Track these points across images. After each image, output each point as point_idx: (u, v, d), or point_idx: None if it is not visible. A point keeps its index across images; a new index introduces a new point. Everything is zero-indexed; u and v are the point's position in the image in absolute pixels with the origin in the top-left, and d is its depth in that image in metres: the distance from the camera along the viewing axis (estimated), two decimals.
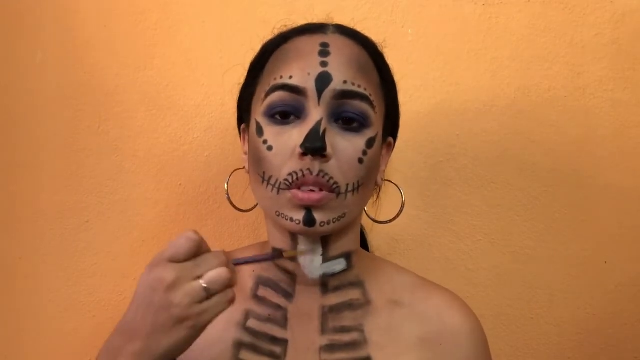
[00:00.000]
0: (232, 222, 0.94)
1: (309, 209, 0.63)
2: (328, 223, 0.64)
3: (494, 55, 0.93)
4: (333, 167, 0.63)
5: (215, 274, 0.56)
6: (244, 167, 0.73)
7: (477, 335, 0.71)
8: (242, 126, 0.74)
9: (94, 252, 0.93)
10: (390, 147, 0.74)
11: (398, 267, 0.76)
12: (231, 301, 0.57)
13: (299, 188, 0.63)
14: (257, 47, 0.73)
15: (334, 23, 0.71)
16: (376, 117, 0.67)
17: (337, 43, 0.67)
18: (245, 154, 0.72)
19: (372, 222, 0.77)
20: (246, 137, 0.72)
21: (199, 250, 0.56)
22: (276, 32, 0.72)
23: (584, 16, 0.92)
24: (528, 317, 0.94)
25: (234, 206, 0.75)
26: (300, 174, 0.62)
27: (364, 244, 0.83)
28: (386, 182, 0.75)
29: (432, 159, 0.94)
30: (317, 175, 0.62)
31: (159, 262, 0.56)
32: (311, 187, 0.63)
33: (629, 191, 0.93)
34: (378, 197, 0.77)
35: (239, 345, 0.68)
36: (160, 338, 0.55)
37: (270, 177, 0.64)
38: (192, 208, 0.94)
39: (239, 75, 0.73)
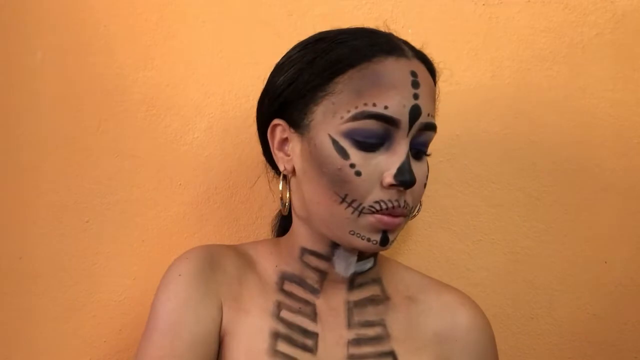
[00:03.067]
0: (232, 222, 0.94)
1: (385, 231, 0.66)
2: (394, 240, 0.68)
3: (494, 55, 0.93)
4: (410, 195, 0.66)
5: None
6: (284, 169, 0.70)
7: (488, 334, 0.74)
8: (276, 122, 0.70)
9: (94, 252, 0.93)
10: None
11: (406, 266, 0.79)
12: None
13: (386, 214, 0.65)
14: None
15: (397, 37, 0.70)
16: None
17: (420, 72, 0.67)
18: (286, 154, 0.70)
19: None
20: (284, 137, 0.70)
21: None
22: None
23: (584, 16, 0.92)
24: (528, 317, 0.94)
25: (284, 210, 0.72)
26: (389, 205, 0.65)
27: None
28: None
29: (432, 159, 0.93)
30: (404, 206, 0.66)
31: None
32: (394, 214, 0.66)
33: (629, 191, 0.93)
34: None
35: (276, 336, 0.69)
36: None
37: (353, 201, 0.65)
38: (192, 208, 0.94)
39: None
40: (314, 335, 0.69)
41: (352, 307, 0.71)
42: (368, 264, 0.72)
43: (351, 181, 0.64)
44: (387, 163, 0.65)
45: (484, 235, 0.94)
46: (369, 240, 0.66)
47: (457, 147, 0.94)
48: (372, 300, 0.72)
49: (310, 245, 0.71)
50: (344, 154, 0.64)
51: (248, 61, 0.92)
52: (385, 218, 0.65)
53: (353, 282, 0.72)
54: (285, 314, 0.70)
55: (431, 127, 0.67)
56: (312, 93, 0.67)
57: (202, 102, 0.94)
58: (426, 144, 0.69)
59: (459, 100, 0.93)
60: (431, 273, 0.80)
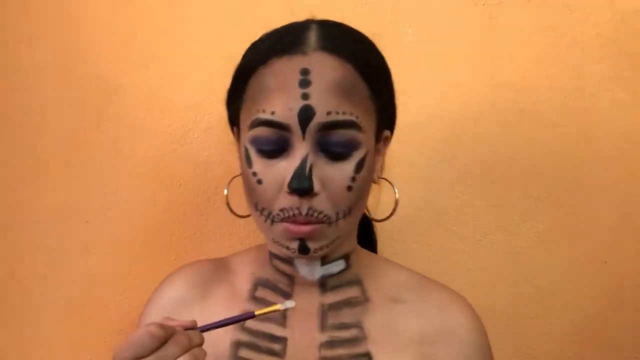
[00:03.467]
0: (232, 222, 0.94)
1: (302, 239, 0.64)
2: (321, 248, 0.65)
3: (494, 55, 0.93)
4: (322, 201, 0.63)
5: None
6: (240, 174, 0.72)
7: (478, 332, 0.71)
8: (235, 129, 0.72)
9: (94, 252, 0.93)
10: (387, 140, 0.72)
11: (395, 264, 0.76)
12: None
13: (290, 222, 0.63)
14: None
15: (316, 21, 0.67)
16: (365, 135, 0.64)
17: (318, 66, 0.62)
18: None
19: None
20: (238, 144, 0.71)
21: (162, 344, 0.56)
22: (258, 32, 0.69)
23: (584, 16, 0.92)
24: (528, 317, 0.94)
25: (233, 212, 0.74)
26: (290, 212, 0.63)
27: (371, 242, 0.84)
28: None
29: (432, 159, 0.94)
30: (307, 214, 0.62)
31: None
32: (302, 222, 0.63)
33: (629, 191, 0.93)
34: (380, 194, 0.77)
35: (238, 344, 0.68)
36: None
37: (263, 209, 0.64)
38: (192, 208, 0.94)
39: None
40: (282, 340, 0.68)
41: (327, 310, 0.69)
42: (337, 267, 0.70)
43: (255, 189, 0.64)
44: (286, 169, 0.62)
45: (484, 235, 0.94)
46: (287, 248, 0.65)
47: (457, 147, 0.94)
48: (348, 303, 0.70)
49: (274, 249, 0.70)
50: (249, 162, 0.64)
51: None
52: (291, 226, 0.63)
53: (325, 285, 0.70)
54: (250, 323, 0.69)
55: (340, 125, 0.62)
56: (237, 100, 0.68)
57: (202, 102, 0.94)
58: (344, 144, 0.63)
59: (458, 101, 0.93)
60: (431, 273, 0.79)
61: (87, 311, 0.93)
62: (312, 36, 0.65)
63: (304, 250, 0.64)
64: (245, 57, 0.69)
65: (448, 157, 0.94)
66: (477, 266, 0.94)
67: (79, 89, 0.93)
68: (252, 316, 0.62)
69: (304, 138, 0.62)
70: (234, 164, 0.93)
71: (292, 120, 0.61)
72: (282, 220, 0.63)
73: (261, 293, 0.71)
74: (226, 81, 0.92)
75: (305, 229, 0.63)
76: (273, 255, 0.71)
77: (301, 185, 0.61)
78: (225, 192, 0.74)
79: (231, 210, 0.74)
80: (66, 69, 0.93)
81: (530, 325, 0.94)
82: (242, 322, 0.69)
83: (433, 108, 0.93)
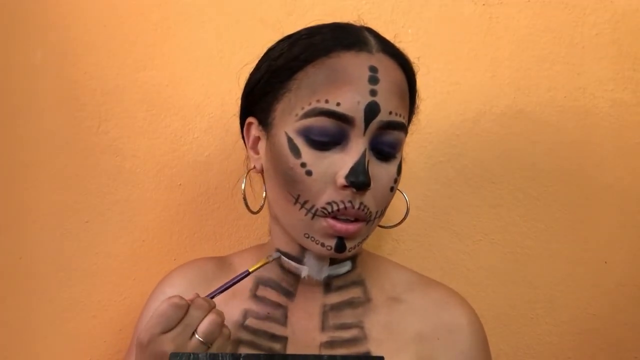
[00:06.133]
0: (232, 222, 0.94)
1: (341, 238, 0.64)
2: (354, 247, 0.66)
3: (494, 55, 0.93)
4: (369, 198, 0.63)
5: (207, 325, 0.59)
6: (254, 167, 0.71)
7: (475, 330, 0.71)
8: (249, 120, 0.70)
9: (94, 252, 0.93)
10: None
11: (397, 264, 0.77)
12: (229, 337, 0.61)
13: (334, 217, 0.63)
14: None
15: (367, 28, 0.68)
16: (404, 140, 0.67)
17: (383, 67, 0.64)
18: (256, 153, 0.70)
19: None
20: (257, 135, 0.70)
21: (185, 312, 0.59)
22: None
23: (584, 16, 0.92)
24: (528, 317, 0.94)
25: (249, 209, 0.72)
26: (341, 206, 0.62)
27: None
28: None
29: (432, 159, 0.94)
30: (359, 208, 0.62)
31: (151, 337, 0.58)
32: (348, 217, 0.63)
33: (629, 191, 0.93)
34: None
35: (238, 343, 0.68)
36: None
37: (305, 202, 0.63)
38: (192, 208, 0.94)
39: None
40: (282, 339, 0.68)
41: (328, 310, 0.69)
42: (344, 267, 0.70)
43: (302, 181, 0.63)
44: (341, 163, 0.62)
45: (484, 235, 0.94)
46: (322, 245, 0.64)
47: (457, 147, 0.94)
48: (350, 303, 0.70)
49: (283, 247, 0.70)
50: (296, 152, 0.63)
51: (248, 61, 0.92)
52: (338, 225, 0.62)
53: (330, 286, 0.70)
54: (251, 321, 0.69)
55: (396, 126, 0.64)
56: (274, 90, 0.66)
57: (202, 102, 0.94)
58: (393, 145, 0.65)
59: (459, 100, 0.93)
60: (431, 273, 0.80)
61: (87, 311, 0.93)
62: (371, 38, 0.66)
63: (341, 248, 0.64)
64: (291, 49, 0.67)
65: (448, 157, 0.94)
66: (477, 266, 0.94)
67: (79, 89, 0.93)
68: (247, 274, 0.66)
69: (364, 133, 0.62)
70: (234, 163, 0.93)
71: (358, 114, 0.62)
72: (327, 215, 0.63)
73: (262, 292, 0.71)
74: (226, 81, 0.93)
75: (352, 228, 0.63)
76: (281, 254, 0.70)
77: (360, 179, 0.61)
78: (243, 185, 0.72)
79: (247, 206, 0.72)
80: (66, 68, 0.93)
81: (530, 325, 0.94)
82: (243, 321, 0.69)
83: (433, 108, 0.93)
